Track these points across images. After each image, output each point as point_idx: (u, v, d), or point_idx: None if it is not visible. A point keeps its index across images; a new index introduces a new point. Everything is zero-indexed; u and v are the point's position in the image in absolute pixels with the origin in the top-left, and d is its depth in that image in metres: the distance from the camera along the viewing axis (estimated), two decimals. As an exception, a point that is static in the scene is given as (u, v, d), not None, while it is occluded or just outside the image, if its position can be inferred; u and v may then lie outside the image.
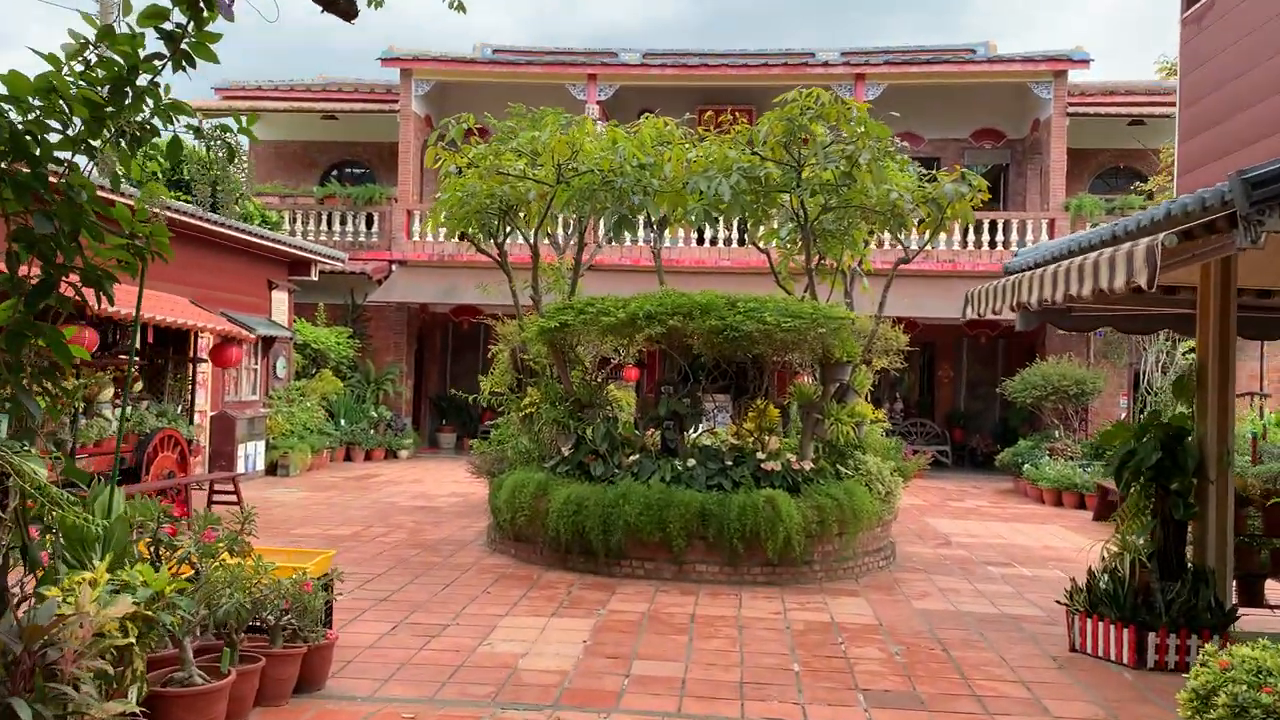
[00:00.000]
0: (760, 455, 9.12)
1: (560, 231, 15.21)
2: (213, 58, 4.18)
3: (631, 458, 9.31)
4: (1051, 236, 18.33)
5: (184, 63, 4.13)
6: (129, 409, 11.27)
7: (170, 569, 4.79)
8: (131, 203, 4.71)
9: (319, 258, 17.23)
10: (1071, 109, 19.58)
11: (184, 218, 13.01)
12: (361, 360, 19.79)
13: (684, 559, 8.65)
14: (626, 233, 9.98)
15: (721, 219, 10.70)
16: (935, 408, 21.91)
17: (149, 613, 4.11)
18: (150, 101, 4.12)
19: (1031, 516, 13.74)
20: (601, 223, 10.60)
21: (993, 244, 19.29)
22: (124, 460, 10.75)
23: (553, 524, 8.83)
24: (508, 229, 11.44)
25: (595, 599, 7.88)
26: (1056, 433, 16.92)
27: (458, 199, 10.36)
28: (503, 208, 10.77)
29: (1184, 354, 15.91)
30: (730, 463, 9.08)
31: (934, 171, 10.34)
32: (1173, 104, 19.42)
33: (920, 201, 9.68)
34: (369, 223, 20.72)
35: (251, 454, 15.01)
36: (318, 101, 21.81)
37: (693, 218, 9.86)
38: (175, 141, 4.25)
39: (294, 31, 75.25)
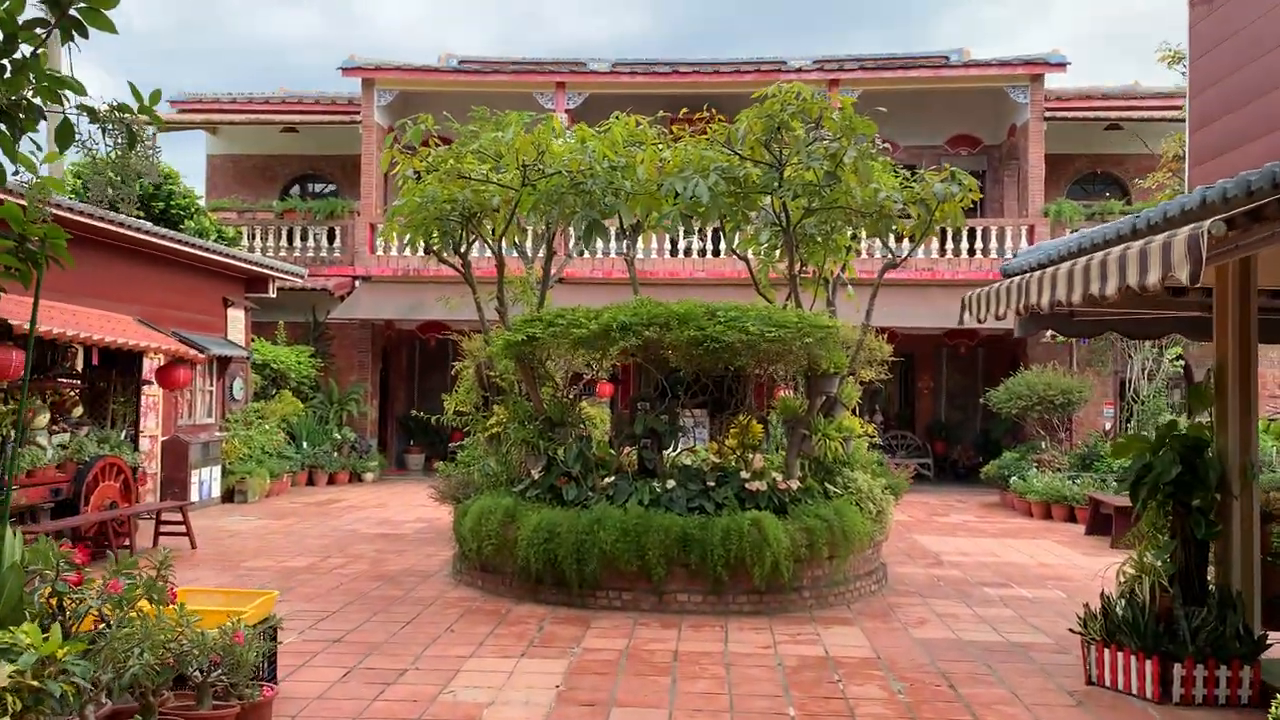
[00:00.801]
0: (744, 475, 8.55)
1: (528, 243, 14.62)
2: (109, 26, 3.56)
3: (606, 480, 8.71)
4: (1031, 243, 17.95)
5: (74, 31, 3.53)
6: (67, 436, 10.55)
7: (74, 625, 4.14)
8: (23, 201, 4.09)
9: (277, 273, 16.49)
10: (1048, 113, 19.27)
11: (130, 232, 12.29)
12: (324, 380, 19.02)
13: (664, 588, 8.04)
14: (598, 239, 9.38)
15: (699, 224, 10.11)
16: (916, 420, 21.47)
17: (35, 682, 3.45)
18: (34, 77, 3.52)
19: (1021, 531, 13.25)
20: (571, 230, 10.00)
21: (971, 251, 18.91)
22: (60, 491, 10.02)
23: (522, 553, 8.20)
24: (471, 238, 10.81)
25: (569, 635, 7.26)
26: (1042, 444, 16.48)
27: (415, 204, 9.70)
28: (465, 214, 10.14)
29: (1171, 361, 15.55)
30: (712, 483, 8.49)
31: (921, 171, 9.85)
32: (1149, 107, 19.37)
33: (910, 202, 9.17)
34: (331, 237, 20.02)
35: (206, 480, 14.26)
36: (277, 113, 21.18)
37: (669, 222, 9.28)
38: (66, 125, 3.63)
39: (258, 54, 74.41)
